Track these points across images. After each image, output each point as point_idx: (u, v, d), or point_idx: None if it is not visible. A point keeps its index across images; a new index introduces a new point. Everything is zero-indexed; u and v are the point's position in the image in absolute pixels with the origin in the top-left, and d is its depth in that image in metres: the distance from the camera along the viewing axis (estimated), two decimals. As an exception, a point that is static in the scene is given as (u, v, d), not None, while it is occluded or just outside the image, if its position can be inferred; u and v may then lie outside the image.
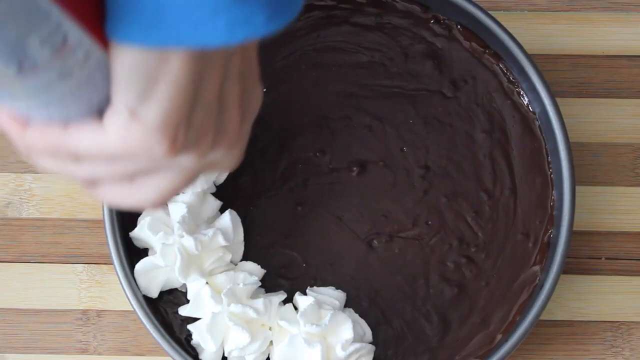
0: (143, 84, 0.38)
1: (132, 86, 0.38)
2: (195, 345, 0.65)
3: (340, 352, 0.62)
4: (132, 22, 0.36)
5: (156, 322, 0.64)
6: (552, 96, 0.67)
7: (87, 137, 0.40)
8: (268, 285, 0.66)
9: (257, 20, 0.36)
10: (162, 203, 0.44)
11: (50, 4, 0.34)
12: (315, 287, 0.66)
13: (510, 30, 0.68)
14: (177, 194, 0.44)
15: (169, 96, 0.38)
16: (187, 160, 0.41)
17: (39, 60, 0.35)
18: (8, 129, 0.41)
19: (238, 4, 0.36)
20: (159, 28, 0.36)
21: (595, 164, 0.72)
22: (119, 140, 0.39)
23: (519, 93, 0.69)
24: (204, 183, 0.65)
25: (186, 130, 0.40)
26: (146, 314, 0.64)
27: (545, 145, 0.68)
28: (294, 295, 0.65)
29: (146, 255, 0.65)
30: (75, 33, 0.36)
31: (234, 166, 0.45)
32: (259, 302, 0.63)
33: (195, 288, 0.64)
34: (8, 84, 0.36)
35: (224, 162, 0.44)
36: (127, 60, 0.38)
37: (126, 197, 0.43)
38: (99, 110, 0.40)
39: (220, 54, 0.39)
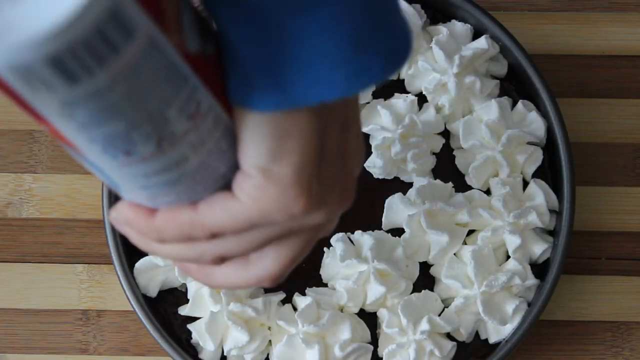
0: (274, 143, 0.36)
1: (263, 146, 0.37)
2: (194, 345, 0.65)
3: (338, 352, 0.62)
4: (256, 87, 0.35)
5: (156, 322, 0.64)
6: (552, 96, 0.67)
7: (219, 210, 0.38)
8: (267, 285, 0.66)
9: (374, 69, 0.35)
10: (282, 277, 0.42)
11: (186, 66, 0.33)
12: (314, 287, 0.66)
13: (510, 30, 0.67)
14: (295, 265, 0.43)
15: (299, 151, 0.37)
16: (318, 217, 0.40)
17: (176, 131, 0.34)
18: (133, 220, 0.40)
19: (357, 56, 0.35)
20: (281, 91, 0.35)
21: (595, 164, 0.72)
22: (255, 204, 0.38)
23: (519, 93, 0.69)
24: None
25: (318, 183, 0.38)
26: (146, 313, 0.64)
27: (546, 145, 0.68)
28: (293, 295, 0.65)
29: (146, 254, 0.65)
30: (207, 98, 0.35)
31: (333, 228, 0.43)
32: (258, 302, 0.63)
33: (195, 287, 0.64)
34: (143, 167, 0.35)
35: (335, 220, 0.42)
36: (254, 122, 0.36)
37: (245, 277, 0.42)
38: (225, 183, 0.38)
39: (338, 104, 0.38)
